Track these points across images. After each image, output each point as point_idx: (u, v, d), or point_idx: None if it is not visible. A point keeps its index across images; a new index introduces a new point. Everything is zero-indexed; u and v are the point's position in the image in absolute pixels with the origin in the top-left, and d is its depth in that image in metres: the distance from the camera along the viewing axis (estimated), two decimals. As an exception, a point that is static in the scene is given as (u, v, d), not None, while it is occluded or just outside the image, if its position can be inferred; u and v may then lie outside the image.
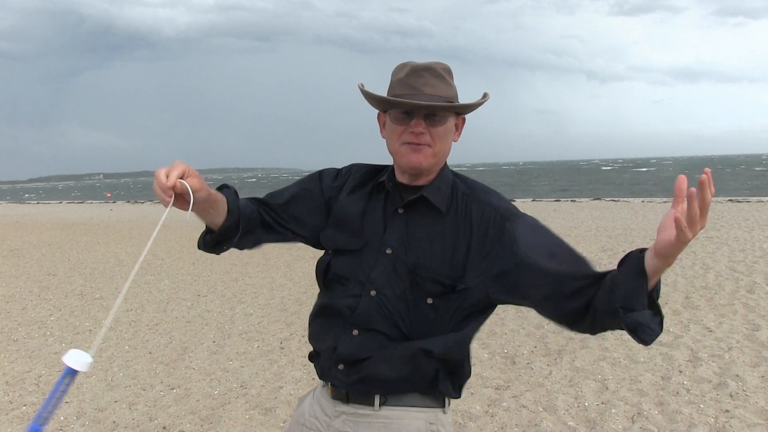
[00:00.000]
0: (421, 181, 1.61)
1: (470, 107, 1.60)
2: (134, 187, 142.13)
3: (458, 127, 1.64)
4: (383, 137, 1.65)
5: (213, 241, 1.61)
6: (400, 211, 1.61)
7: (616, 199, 27.46)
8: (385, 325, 1.57)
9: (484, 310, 1.61)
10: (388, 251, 1.59)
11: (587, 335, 5.77)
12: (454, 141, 1.62)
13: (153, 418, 4.29)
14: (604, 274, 1.43)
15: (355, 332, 1.59)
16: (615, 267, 1.39)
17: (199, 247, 1.65)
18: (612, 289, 1.36)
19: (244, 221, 1.61)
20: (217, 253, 1.66)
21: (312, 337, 1.75)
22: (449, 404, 1.66)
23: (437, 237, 1.57)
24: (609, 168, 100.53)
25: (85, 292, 9.01)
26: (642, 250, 1.34)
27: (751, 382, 4.50)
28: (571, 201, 26.73)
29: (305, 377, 5.00)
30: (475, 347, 5.44)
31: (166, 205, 1.40)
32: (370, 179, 1.71)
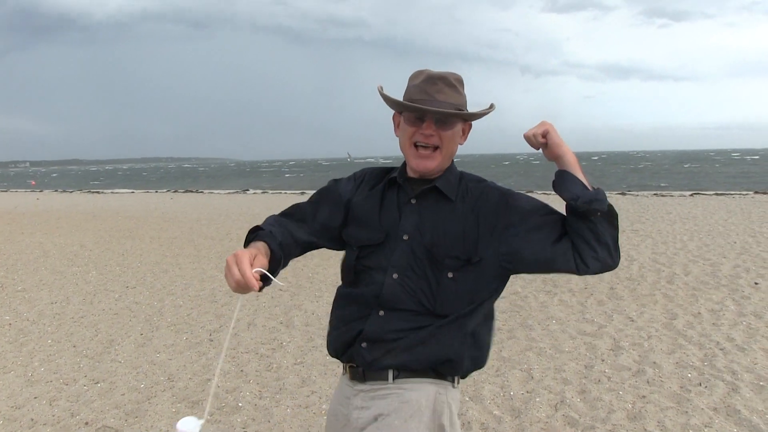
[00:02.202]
0: (431, 177, 1.82)
1: (476, 116, 1.81)
2: (63, 175, 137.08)
3: (465, 132, 1.85)
4: (396, 135, 1.84)
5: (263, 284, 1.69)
6: (413, 201, 1.81)
7: (548, 192, 28.09)
8: (410, 302, 1.74)
9: (501, 279, 1.80)
10: (405, 237, 1.77)
11: (514, 328, 5.91)
12: (460, 144, 1.83)
13: (75, 414, 4.16)
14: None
15: (382, 313, 1.76)
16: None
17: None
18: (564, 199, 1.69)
19: (285, 254, 1.78)
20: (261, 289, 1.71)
21: (337, 322, 1.88)
22: (458, 382, 1.83)
23: (449, 221, 1.77)
24: (537, 162, 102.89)
25: (6, 284, 8.64)
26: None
27: (666, 369, 4.71)
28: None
29: (233, 369, 4.95)
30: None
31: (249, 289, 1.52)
32: (382, 178, 1.92)
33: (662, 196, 23.55)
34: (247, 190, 38.23)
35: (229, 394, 4.44)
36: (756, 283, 7.50)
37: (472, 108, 1.82)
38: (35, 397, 4.48)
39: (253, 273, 1.49)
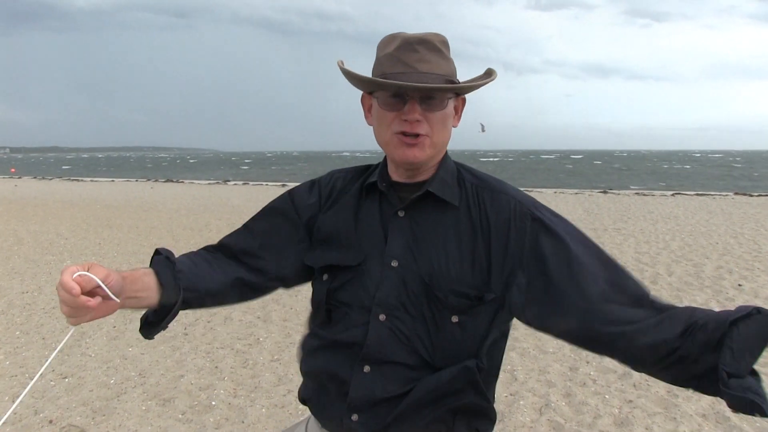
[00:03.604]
0: (421, 177, 1.37)
1: (473, 87, 1.34)
2: (42, 161, 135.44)
3: (458, 110, 1.39)
4: (369, 124, 1.38)
5: (155, 319, 1.34)
6: (401, 213, 1.35)
7: (529, 189, 28.11)
8: (402, 353, 1.30)
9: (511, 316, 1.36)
10: (394, 263, 1.32)
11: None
12: (454, 126, 1.37)
13: (39, 411, 3.97)
14: (673, 311, 1.22)
15: (367, 368, 1.32)
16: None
17: (142, 332, 1.37)
18: (713, 346, 1.15)
19: (191, 290, 1.35)
20: (153, 336, 1.37)
21: (308, 378, 1.46)
22: None
23: (451, 238, 1.31)
24: (511, 160, 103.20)
25: (-24, 273, 8.38)
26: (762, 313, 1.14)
27: (652, 372, 4.61)
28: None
29: (207, 365, 4.78)
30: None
31: (77, 317, 1.16)
32: (355, 183, 1.45)
33: (644, 195, 23.60)
34: (228, 180, 37.86)
35: (202, 391, 4.28)
36: (740, 285, 7.46)
37: (462, 78, 1.35)
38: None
39: (75, 278, 1.12)
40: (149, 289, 1.29)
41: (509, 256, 1.29)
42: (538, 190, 27.19)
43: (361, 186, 1.43)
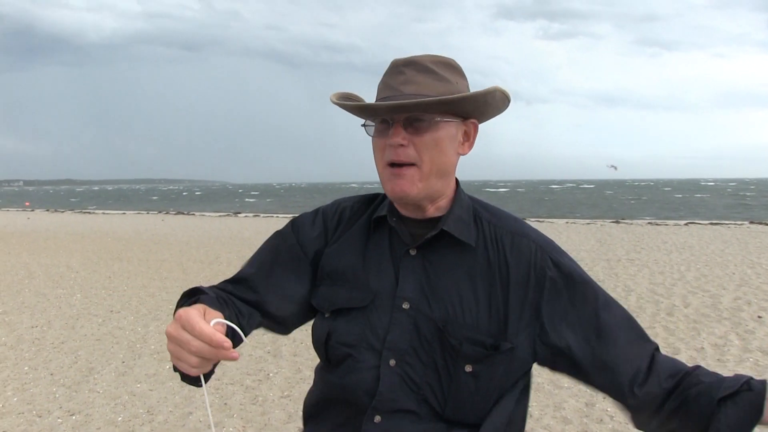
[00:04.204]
0: (431, 211, 1.27)
1: (464, 101, 1.19)
2: (53, 194, 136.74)
3: (470, 136, 1.26)
4: None
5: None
6: (413, 252, 1.25)
7: (540, 219, 28.02)
8: (412, 402, 1.20)
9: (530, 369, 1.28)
10: (405, 306, 1.22)
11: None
12: (462, 153, 1.26)
13: (45, 449, 3.92)
14: (681, 376, 1.19)
15: (378, 419, 1.21)
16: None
17: (184, 380, 1.14)
18: (708, 415, 1.13)
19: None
20: (206, 381, 1.11)
21: (314, 425, 1.34)
22: None
23: (467, 282, 1.22)
24: (522, 191, 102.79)
25: (-13, 306, 8.38)
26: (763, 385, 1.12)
27: (671, 408, 4.49)
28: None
29: (216, 402, 4.70)
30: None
31: (203, 368, 1.00)
32: (363, 214, 1.36)
33: (657, 224, 23.45)
34: (239, 212, 37.98)
35: (210, 429, 4.20)
36: (759, 317, 7.32)
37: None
38: (4, 431, 4.23)
39: (214, 325, 1.00)
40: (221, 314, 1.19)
41: (528, 305, 1.21)
42: (550, 220, 27.11)
43: (369, 219, 1.33)
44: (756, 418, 1.10)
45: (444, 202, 1.28)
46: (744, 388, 1.12)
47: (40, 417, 4.45)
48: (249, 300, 1.31)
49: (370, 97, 1.28)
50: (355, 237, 1.33)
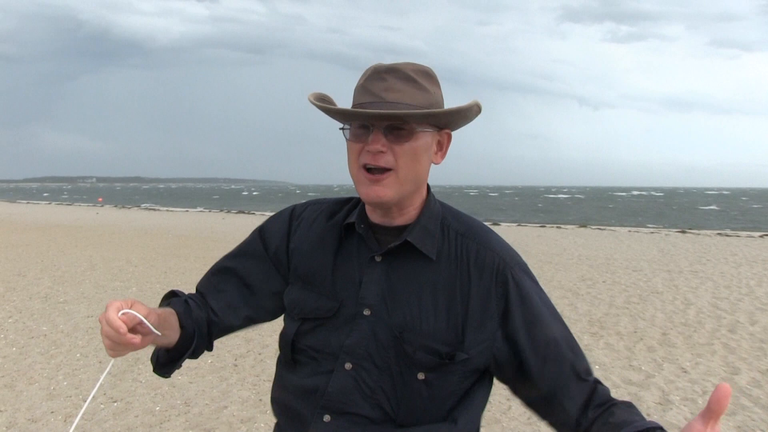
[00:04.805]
0: (399, 219, 1.28)
1: (445, 115, 1.23)
2: (121, 191, 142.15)
3: (442, 146, 1.29)
4: None
5: (168, 359, 1.34)
6: (378, 259, 1.27)
7: (602, 227, 27.29)
8: (365, 406, 1.23)
9: (491, 379, 1.32)
10: (366, 312, 1.25)
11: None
12: (435, 163, 1.28)
13: (85, 433, 4.02)
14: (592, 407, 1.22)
15: (327, 418, 1.25)
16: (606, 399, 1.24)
17: (156, 371, 1.37)
18: None
19: (199, 331, 1.35)
20: (170, 374, 1.37)
21: (277, 424, 1.40)
22: None
23: (428, 291, 1.24)
24: (582, 197, 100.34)
25: (50, 295, 8.71)
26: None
27: None
28: (557, 227, 26.48)
29: (252, 398, 4.73)
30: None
31: (117, 351, 1.16)
32: (333, 217, 1.38)
33: (727, 236, 22.44)
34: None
35: (243, 424, 4.23)
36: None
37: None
38: (52, 412, 4.39)
39: (120, 316, 1.13)
40: (172, 329, 1.29)
41: (488, 318, 1.24)
42: (612, 228, 26.41)
43: (340, 225, 1.34)
44: None
45: (413, 211, 1.29)
46: None
47: (85, 402, 4.57)
48: (220, 298, 1.41)
49: (342, 100, 1.29)
50: (326, 241, 1.35)
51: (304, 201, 1.47)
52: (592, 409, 1.21)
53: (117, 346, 1.14)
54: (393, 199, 1.23)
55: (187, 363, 4.75)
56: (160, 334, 1.19)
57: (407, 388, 1.22)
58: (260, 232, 1.45)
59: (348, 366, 1.24)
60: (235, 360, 5.69)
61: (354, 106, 1.23)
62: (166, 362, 1.34)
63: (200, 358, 4.59)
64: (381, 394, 1.23)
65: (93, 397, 4.64)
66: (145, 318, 1.15)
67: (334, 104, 1.27)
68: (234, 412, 4.40)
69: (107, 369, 1.32)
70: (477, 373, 1.26)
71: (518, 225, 28.47)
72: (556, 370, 1.23)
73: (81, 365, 5.47)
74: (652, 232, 23.70)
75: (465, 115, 1.25)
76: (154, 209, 41.12)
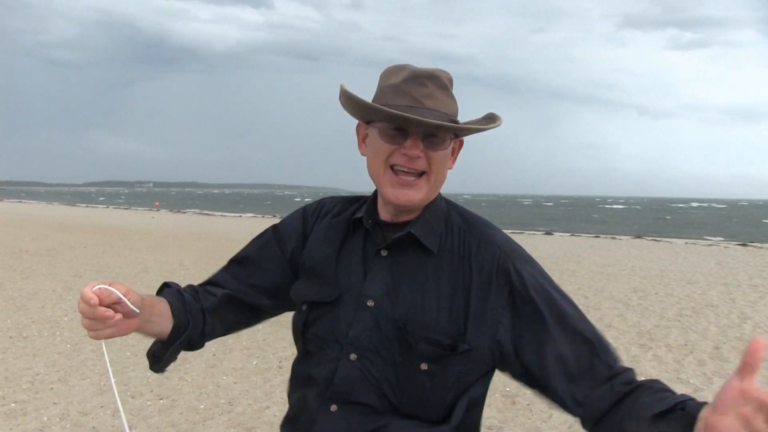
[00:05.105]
0: (407, 216, 1.33)
1: (480, 130, 1.31)
2: (175, 195, 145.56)
3: (455, 152, 1.35)
4: (363, 154, 1.36)
5: (162, 352, 1.34)
6: (383, 253, 1.32)
7: (658, 238, 26.58)
8: (371, 395, 1.26)
9: (491, 371, 1.33)
10: (370, 303, 1.29)
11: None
12: (449, 168, 1.34)
13: (132, 427, 4.16)
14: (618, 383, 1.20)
15: (334, 408, 1.28)
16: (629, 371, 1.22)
17: (151, 367, 1.39)
18: (641, 423, 1.12)
19: (193, 322, 1.37)
20: (163, 370, 1.38)
21: (288, 412, 1.43)
22: None
23: (430, 284, 1.28)
24: (638, 208, 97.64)
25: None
26: (699, 406, 1.07)
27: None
28: (611, 238, 25.94)
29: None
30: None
31: (96, 330, 1.17)
32: (343, 213, 1.43)
33: (791, 250, 21.53)
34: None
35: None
36: None
37: (462, 119, 1.32)
38: (101, 407, 4.54)
39: (94, 290, 1.14)
40: (163, 317, 1.31)
41: (489, 310, 1.26)
42: (668, 239, 25.72)
43: (348, 220, 1.39)
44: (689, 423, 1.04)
45: (419, 208, 1.34)
46: (679, 407, 1.07)
47: (132, 398, 4.73)
48: (226, 293, 1.45)
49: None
50: (333, 235, 1.40)
51: (318, 199, 1.51)
52: (613, 392, 1.19)
53: (94, 323, 1.15)
54: (421, 202, 1.30)
55: (233, 364, 4.83)
56: (137, 311, 1.19)
57: (411, 378, 1.25)
58: (275, 232, 1.49)
59: (353, 357, 1.27)
60: (280, 362, 5.78)
61: (387, 105, 1.24)
62: (161, 355, 1.35)
63: (246, 359, 4.69)
64: (385, 384, 1.26)
65: (147, 387, 4.79)
66: (124, 296, 1.16)
67: (363, 101, 1.28)
68: (276, 413, 4.47)
69: (104, 349, 1.26)
70: (479, 365, 1.28)
71: (571, 235, 27.97)
72: (567, 354, 1.23)
73: (130, 363, 5.63)
74: (711, 245, 22.99)
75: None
76: (207, 214, 42.01)
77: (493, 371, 1.33)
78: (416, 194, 1.27)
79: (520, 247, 1.34)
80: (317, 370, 1.31)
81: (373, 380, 1.26)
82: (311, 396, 1.32)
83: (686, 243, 23.88)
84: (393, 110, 1.21)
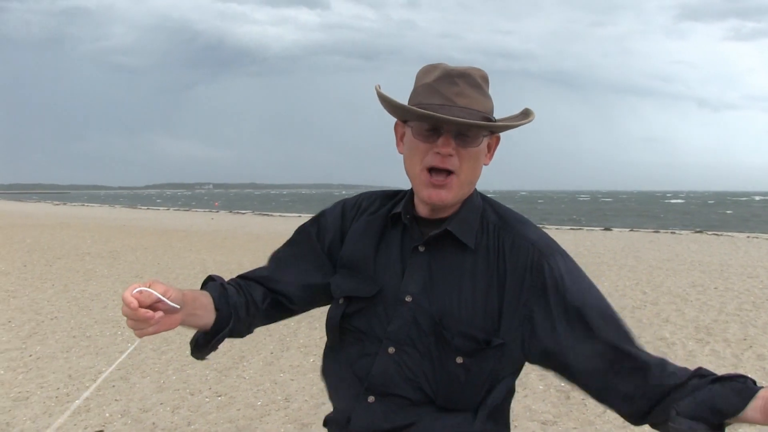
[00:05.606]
0: (444, 213, 1.36)
1: (512, 126, 1.33)
2: (235, 196, 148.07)
3: (491, 148, 1.37)
4: (400, 152, 1.39)
5: (204, 342, 1.39)
6: (421, 248, 1.35)
7: (719, 233, 25.69)
8: (408, 388, 1.31)
9: (522, 365, 1.38)
10: (408, 299, 1.33)
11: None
12: (485, 164, 1.36)
13: (191, 423, 4.26)
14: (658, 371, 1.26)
15: (371, 399, 1.33)
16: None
17: (192, 354, 1.45)
18: (692, 395, 1.21)
19: (236, 314, 1.40)
20: (204, 357, 1.44)
21: (331, 397, 1.49)
22: None
23: (466, 280, 1.31)
24: (698, 202, 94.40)
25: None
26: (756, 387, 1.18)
27: None
28: (671, 233, 25.22)
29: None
30: (532, 378, 5.12)
31: (141, 329, 1.22)
32: (382, 208, 1.46)
33: None
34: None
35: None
36: None
37: (498, 115, 1.33)
38: (161, 403, 4.66)
39: (134, 293, 1.18)
40: (206, 309, 1.35)
41: (522, 305, 1.29)
42: (729, 233, 24.86)
43: (386, 215, 1.43)
44: (744, 402, 1.16)
45: (458, 206, 1.37)
46: (740, 379, 1.19)
47: (191, 395, 4.86)
48: (267, 286, 1.48)
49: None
50: (371, 230, 1.43)
51: (359, 193, 1.55)
52: (662, 384, 1.25)
53: (137, 323, 1.20)
54: (453, 201, 1.32)
55: (290, 362, 4.93)
56: (178, 307, 1.23)
57: (446, 371, 1.29)
58: (316, 224, 1.52)
59: (391, 350, 1.32)
60: (335, 359, 5.83)
61: (421, 104, 1.27)
62: (204, 344, 1.40)
63: (303, 357, 4.78)
64: (422, 377, 1.30)
65: (205, 384, 4.94)
66: (162, 295, 1.20)
67: (394, 101, 1.31)
68: (331, 408, 4.53)
69: (130, 348, 1.38)
70: (512, 359, 1.32)
71: (630, 230, 27.32)
72: (601, 350, 1.27)
73: (189, 361, 5.76)
74: (776, 238, 22.12)
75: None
76: (266, 215, 42.64)
77: (523, 365, 1.36)
78: (447, 194, 1.29)
79: (555, 243, 1.36)
80: (356, 363, 1.36)
81: (410, 373, 1.30)
82: (348, 387, 1.37)
83: (748, 237, 23.01)
84: (422, 110, 1.24)
